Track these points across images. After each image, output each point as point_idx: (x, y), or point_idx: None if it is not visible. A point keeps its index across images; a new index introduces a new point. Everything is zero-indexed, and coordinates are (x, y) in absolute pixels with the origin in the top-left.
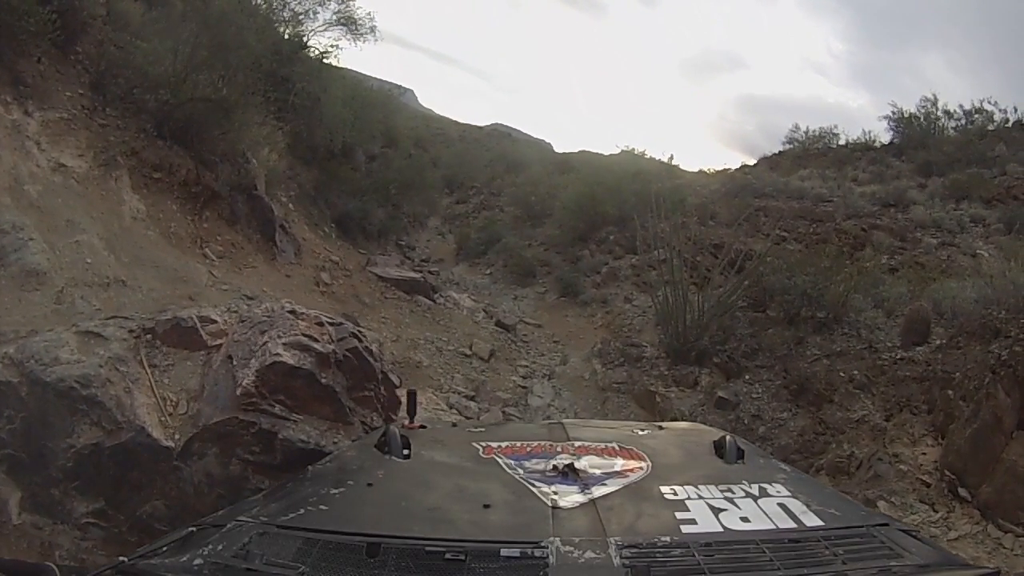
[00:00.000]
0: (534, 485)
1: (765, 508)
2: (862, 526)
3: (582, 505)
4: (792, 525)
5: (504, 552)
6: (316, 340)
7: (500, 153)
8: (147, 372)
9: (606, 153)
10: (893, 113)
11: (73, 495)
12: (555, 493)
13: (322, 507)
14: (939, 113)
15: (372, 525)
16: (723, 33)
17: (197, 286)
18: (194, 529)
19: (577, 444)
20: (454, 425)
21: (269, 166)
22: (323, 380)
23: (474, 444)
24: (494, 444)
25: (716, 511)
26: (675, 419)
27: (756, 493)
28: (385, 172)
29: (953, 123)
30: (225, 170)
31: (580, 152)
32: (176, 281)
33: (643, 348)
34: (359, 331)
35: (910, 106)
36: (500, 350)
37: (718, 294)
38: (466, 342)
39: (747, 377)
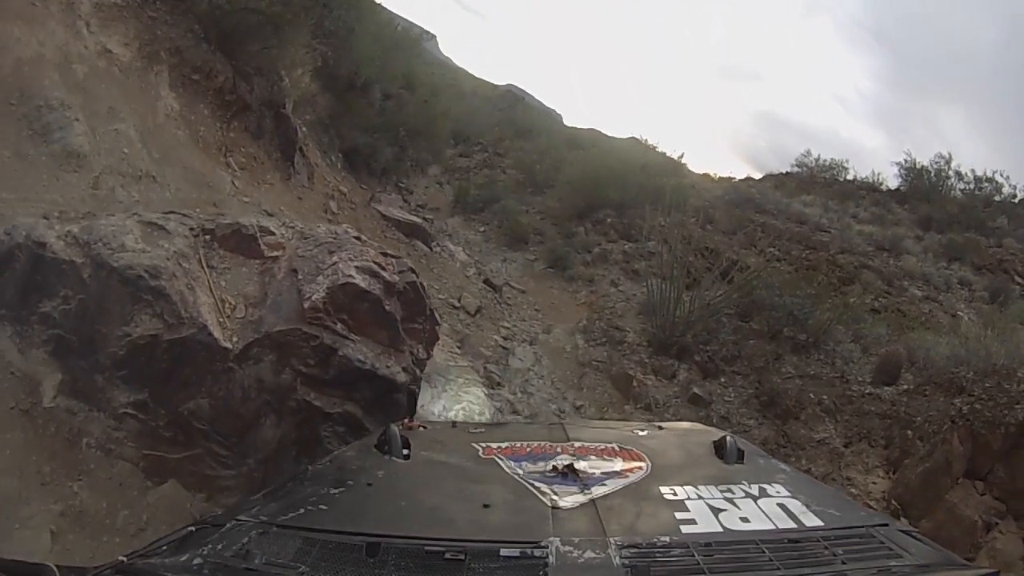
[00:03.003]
0: (534, 485)
1: (765, 508)
2: (862, 526)
3: (582, 505)
4: (792, 525)
5: (504, 552)
6: (384, 268)
7: (510, 116)
8: (206, 272)
9: (615, 137)
10: (905, 161)
11: (117, 384)
12: (555, 493)
13: (322, 507)
14: (950, 172)
15: (372, 525)
16: (755, 47)
17: (220, 194)
18: (193, 528)
19: (577, 445)
20: (453, 425)
21: (301, 89)
22: (387, 307)
23: (474, 444)
24: (494, 445)
25: (716, 511)
26: (648, 405)
27: (756, 493)
28: (398, 114)
29: (962, 185)
30: (260, 84)
31: (589, 130)
32: (202, 186)
33: (626, 332)
34: (414, 267)
35: (924, 158)
36: (486, 308)
37: (708, 296)
38: (456, 294)
39: (723, 380)
